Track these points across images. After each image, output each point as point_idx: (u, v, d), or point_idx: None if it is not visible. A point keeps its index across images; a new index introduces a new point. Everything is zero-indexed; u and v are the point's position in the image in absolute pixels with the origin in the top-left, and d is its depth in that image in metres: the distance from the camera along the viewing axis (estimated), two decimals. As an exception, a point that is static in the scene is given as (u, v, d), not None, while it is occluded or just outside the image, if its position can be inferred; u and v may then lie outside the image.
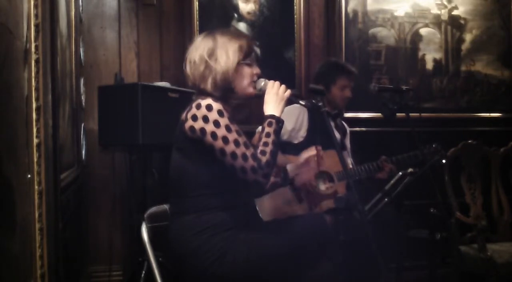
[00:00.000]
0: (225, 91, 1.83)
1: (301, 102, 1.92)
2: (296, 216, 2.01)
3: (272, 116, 1.80)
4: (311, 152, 2.05)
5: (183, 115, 1.79)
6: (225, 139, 1.70)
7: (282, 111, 1.83)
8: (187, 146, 1.78)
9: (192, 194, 1.79)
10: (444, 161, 2.90)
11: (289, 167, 2.04)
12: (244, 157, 1.70)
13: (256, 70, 1.91)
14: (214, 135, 1.71)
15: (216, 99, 1.79)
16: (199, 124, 1.72)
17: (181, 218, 1.80)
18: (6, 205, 1.27)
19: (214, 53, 1.82)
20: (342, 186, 2.71)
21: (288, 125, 2.78)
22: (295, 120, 2.82)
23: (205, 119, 1.72)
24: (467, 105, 3.88)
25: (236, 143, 1.71)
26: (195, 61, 1.84)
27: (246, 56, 1.87)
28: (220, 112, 1.72)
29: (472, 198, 2.98)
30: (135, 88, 2.67)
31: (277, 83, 1.87)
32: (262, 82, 1.89)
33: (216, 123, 1.71)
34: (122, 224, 3.29)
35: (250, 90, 1.89)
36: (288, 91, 1.86)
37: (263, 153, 1.74)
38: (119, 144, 3.00)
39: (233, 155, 1.70)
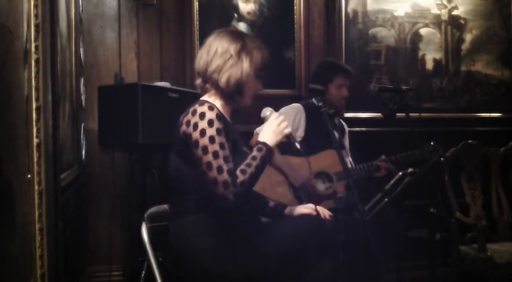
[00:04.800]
0: (233, 91, 1.84)
1: (296, 145, 1.87)
2: (295, 217, 2.01)
3: (265, 144, 1.79)
4: (308, 209, 2.03)
5: (180, 118, 1.80)
6: (204, 149, 1.70)
7: (276, 144, 1.82)
8: (183, 149, 1.79)
9: (191, 194, 1.79)
10: (442, 159, 2.90)
11: (287, 210, 2.04)
12: (219, 169, 1.68)
13: (260, 87, 1.92)
14: (196, 143, 1.71)
15: (220, 96, 1.83)
16: (189, 130, 1.74)
17: (181, 218, 1.81)
18: (6, 205, 1.27)
19: (241, 54, 1.83)
20: (341, 186, 2.71)
21: None
22: (292, 120, 2.82)
23: (195, 126, 1.72)
24: (467, 105, 3.88)
25: (215, 154, 1.69)
26: (217, 50, 1.84)
27: (262, 70, 1.89)
28: (210, 122, 1.72)
29: (472, 198, 2.98)
30: (135, 88, 2.67)
31: (282, 117, 1.87)
32: (268, 111, 1.90)
33: (202, 133, 1.71)
34: (122, 224, 3.29)
35: (248, 102, 1.91)
36: (289, 129, 1.85)
37: (243, 171, 1.71)
38: (119, 144, 3.00)
39: (208, 165, 1.69)
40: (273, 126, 1.83)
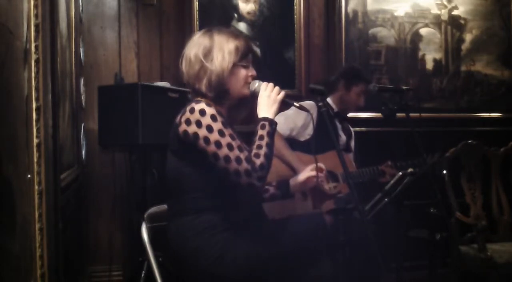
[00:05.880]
0: (219, 92, 1.82)
1: (295, 104, 1.90)
2: (295, 217, 2.01)
3: (265, 118, 1.79)
4: (311, 172, 2.04)
5: (177, 118, 1.79)
6: (217, 144, 1.70)
7: (275, 114, 1.82)
8: (182, 149, 1.78)
9: (190, 194, 1.79)
10: (445, 172, 2.91)
11: (291, 181, 2.04)
12: (238, 160, 1.69)
13: (252, 72, 1.89)
14: (207, 140, 1.70)
15: (210, 100, 1.80)
16: (192, 129, 1.72)
17: (180, 218, 1.80)
18: (6, 205, 1.27)
19: (210, 53, 1.81)
20: (346, 186, 2.72)
21: (298, 121, 2.80)
22: (305, 116, 2.82)
23: (198, 124, 1.71)
24: (467, 105, 3.88)
25: (229, 146, 1.70)
26: (191, 59, 1.84)
27: (242, 58, 1.85)
28: (213, 117, 1.72)
29: (472, 198, 2.98)
30: (135, 88, 2.67)
31: (271, 85, 1.85)
32: (255, 84, 1.87)
33: (209, 128, 1.71)
34: (122, 224, 3.29)
35: (245, 92, 1.87)
36: (282, 94, 1.84)
37: (256, 155, 1.72)
38: (119, 144, 3.00)
39: (227, 158, 1.69)
40: (265, 99, 1.82)
